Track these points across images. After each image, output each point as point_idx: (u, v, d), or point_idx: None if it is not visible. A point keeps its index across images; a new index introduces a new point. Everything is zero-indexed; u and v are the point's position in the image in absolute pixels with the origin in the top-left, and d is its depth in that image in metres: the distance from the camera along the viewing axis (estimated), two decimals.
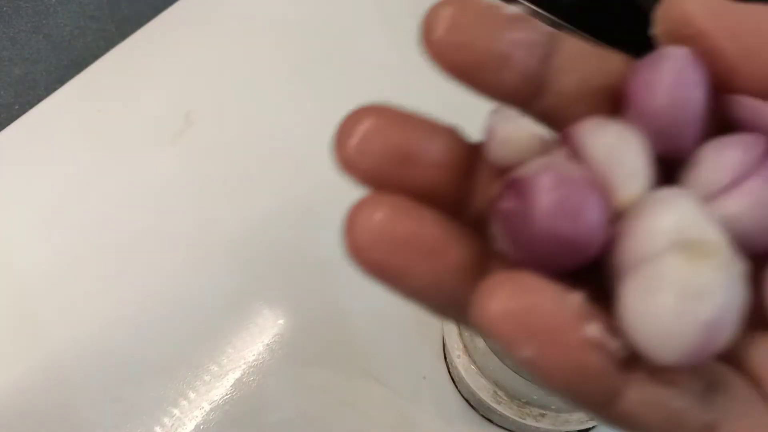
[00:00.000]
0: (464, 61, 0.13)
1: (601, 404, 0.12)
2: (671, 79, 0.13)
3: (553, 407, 0.36)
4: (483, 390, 0.36)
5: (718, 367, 0.13)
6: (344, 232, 0.12)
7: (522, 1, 0.54)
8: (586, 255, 0.12)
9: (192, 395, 0.39)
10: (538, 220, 0.12)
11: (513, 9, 0.13)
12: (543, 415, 0.36)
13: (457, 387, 0.40)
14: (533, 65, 0.13)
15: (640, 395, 0.12)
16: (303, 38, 0.54)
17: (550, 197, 0.11)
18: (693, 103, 0.13)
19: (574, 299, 0.11)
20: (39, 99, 0.49)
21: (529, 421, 0.36)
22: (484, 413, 0.39)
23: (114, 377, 0.39)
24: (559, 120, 0.14)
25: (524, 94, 0.14)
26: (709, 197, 0.13)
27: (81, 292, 0.42)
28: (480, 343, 0.35)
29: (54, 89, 0.49)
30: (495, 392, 0.36)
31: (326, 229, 0.48)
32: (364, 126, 0.13)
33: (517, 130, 0.13)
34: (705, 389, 0.12)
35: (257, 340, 0.41)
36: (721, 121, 0.14)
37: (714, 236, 0.12)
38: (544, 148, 0.13)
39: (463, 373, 0.37)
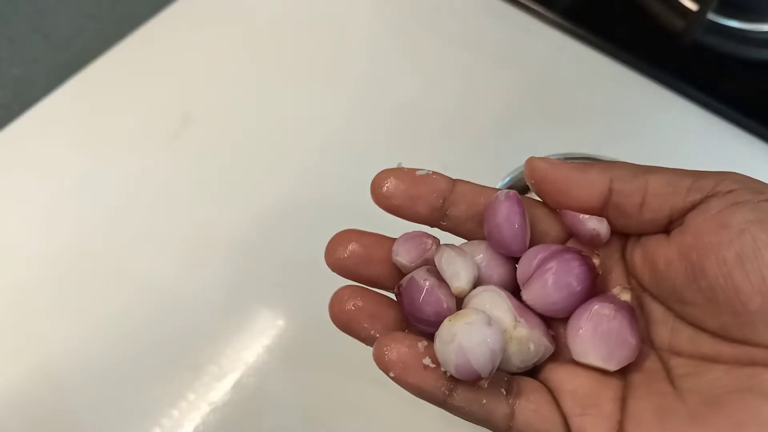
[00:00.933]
0: (395, 204, 0.23)
1: (440, 401, 0.21)
2: (501, 212, 0.22)
3: None
4: None
5: (524, 381, 0.22)
6: (329, 309, 0.24)
7: (524, 2, 0.54)
8: (437, 323, 0.21)
9: (191, 396, 0.39)
10: (405, 309, 0.22)
11: (423, 171, 0.23)
12: None
13: None
14: (436, 201, 0.23)
15: (462, 395, 0.21)
16: (301, 38, 0.54)
17: (409, 297, 0.22)
18: (516, 225, 0.22)
19: (421, 344, 0.21)
20: (37, 99, 0.49)
21: None
22: None
23: (112, 378, 0.39)
24: (459, 232, 0.24)
25: (434, 219, 0.23)
26: (522, 284, 0.22)
27: (78, 292, 0.42)
28: None
29: (52, 89, 0.49)
30: None
31: (326, 229, 0.48)
32: (342, 244, 0.23)
33: (397, 259, 0.23)
34: (507, 393, 0.21)
35: (256, 341, 0.41)
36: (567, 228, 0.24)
37: (498, 312, 0.21)
38: (422, 262, 0.23)
39: None
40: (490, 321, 0.20)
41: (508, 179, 0.35)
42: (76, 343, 0.40)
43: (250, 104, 0.50)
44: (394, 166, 0.24)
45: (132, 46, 0.52)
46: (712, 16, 0.51)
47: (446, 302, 0.21)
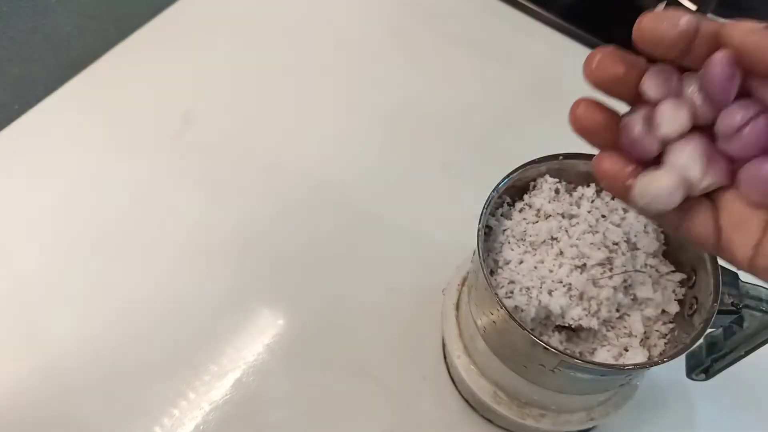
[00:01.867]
0: (660, 40, 0.26)
1: (623, 196, 0.26)
2: (719, 66, 0.25)
3: (553, 407, 0.36)
4: (483, 390, 0.36)
5: (698, 200, 0.27)
6: (571, 113, 0.27)
7: (524, 2, 0.54)
8: (643, 154, 0.26)
9: (192, 395, 0.39)
10: (621, 142, 0.27)
11: (685, 18, 0.25)
12: (543, 416, 0.36)
13: (456, 387, 0.40)
14: (686, 44, 0.25)
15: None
16: (301, 39, 0.54)
17: (625, 134, 0.26)
18: (729, 78, 0.25)
19: (629, 168, 0.26)
20: (38, 99, 0.49)
21: (529, 422, 0.36)
22: (484, 413, 0.39)
23: (113, 378, 0.39)
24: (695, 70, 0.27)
25: (679, 57, 0.26)
26: (725, 134, 0.26)
27: (79, 292, 0.42)
28: (480, 343, 0.34)
29: (53, 89, 0.49)
30: (495, 393, 0.36)
31: (326, 229, 0.49)
32: (597, 58, 0.26)
33: (643, 89, 0.26)
34: (681, 212, 0.26)
35: (257, 340, 0.41)
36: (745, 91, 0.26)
37: (692, 165, 0.26)
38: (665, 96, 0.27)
39: (463, 373, 0.37)
40: (679, 183, 0.26)
41: (507, 180, 0.36)
42: (78, 342, 0.40)
43: (251, 104, 0.50)
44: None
45: (133, 47, 0.52)
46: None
47: (652, 146, 0.26)
